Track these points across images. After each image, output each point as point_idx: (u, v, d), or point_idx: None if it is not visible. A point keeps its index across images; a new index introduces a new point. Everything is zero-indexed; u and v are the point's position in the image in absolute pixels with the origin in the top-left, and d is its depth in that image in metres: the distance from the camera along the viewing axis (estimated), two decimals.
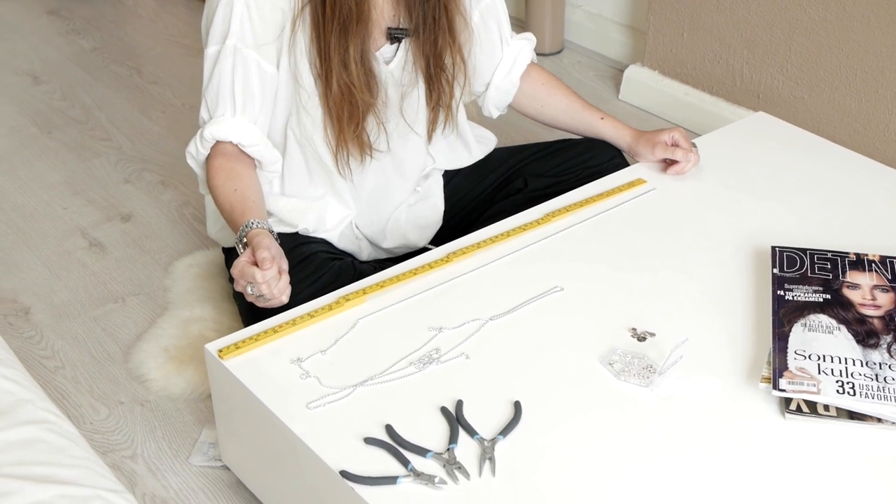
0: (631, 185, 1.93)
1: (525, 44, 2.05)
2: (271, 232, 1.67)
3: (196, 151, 1.80)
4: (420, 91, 1.87)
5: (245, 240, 1.64)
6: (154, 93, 3.06)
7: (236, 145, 1.77)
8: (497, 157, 2.09)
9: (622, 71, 3.05)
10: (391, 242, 2.01)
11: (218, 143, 1.78)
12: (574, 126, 2.08)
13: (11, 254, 2.36)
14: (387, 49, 1.83)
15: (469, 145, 2.04)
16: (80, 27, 3.49)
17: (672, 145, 1.97)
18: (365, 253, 2.01)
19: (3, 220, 2.48)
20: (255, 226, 1.65)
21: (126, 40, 3.42)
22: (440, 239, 2.04)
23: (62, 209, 2.52)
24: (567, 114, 2.08)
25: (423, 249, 2.04)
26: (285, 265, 1.61)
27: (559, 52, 3.28)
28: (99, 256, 2.35)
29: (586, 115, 2.06)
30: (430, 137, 1.93)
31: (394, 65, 1.83)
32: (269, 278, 1.56)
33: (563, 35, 3.29)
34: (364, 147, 1.83)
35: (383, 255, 2.04)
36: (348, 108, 1.77)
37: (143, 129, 2.87)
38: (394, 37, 1.81)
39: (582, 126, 2.07)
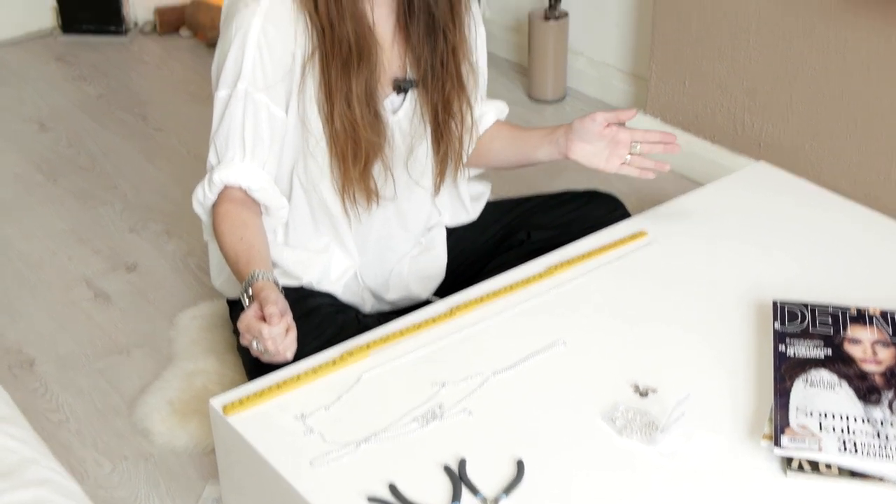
0: (632, 237, 1.94)
1: (491, 108, 2.00)
2: (277, 284, 1.67)
3: (203, 196, 1.79)
4: (427, 143, 1.88)
5: (251, 291, 1.64)
6: (159, 139, 3.08)
7: (244, 191, 1.77)
8: (499, 209, 2.10)
9: None
10: (394, 294, 2.02)
11: (226, 188, 1.77)
12: (518, 157, 1.99)
13: (17, 303, 2.37)
14: (394, 99, 1.84)
15: (465, 204, 2.05)
16: (87, 73, 3.52)
17: (606, 127, 1.87)
18: (368, 305, 2.02)
19: (8, 268, 2.49)
20: (260, 277, 1.64)
21: (132, 87, 3.45)
22: (443, 290, 2.04)
23: (67, 258, 2.53)
24: (510, 149, 1.99)
25: (427, 301, 2.05)
26: (292, 321, 1.61)
27: (562, 100, 3.30)
28: (104, 307, 2.36)
29: (523, 143, 1.97)
30: (437, 189, 1.93)
31: (401, 114, 1.84)
32: (275, 334, 1.55)
33: (565, 82, 3.30)
34: (371, 193, 1.84)
35: (386, 308, 2.05)
36: (353, 146, 1.77)
37: (148, 176, 2.89)
38: (401, 87, 1.83)
39: (523, 155, 1.98)
